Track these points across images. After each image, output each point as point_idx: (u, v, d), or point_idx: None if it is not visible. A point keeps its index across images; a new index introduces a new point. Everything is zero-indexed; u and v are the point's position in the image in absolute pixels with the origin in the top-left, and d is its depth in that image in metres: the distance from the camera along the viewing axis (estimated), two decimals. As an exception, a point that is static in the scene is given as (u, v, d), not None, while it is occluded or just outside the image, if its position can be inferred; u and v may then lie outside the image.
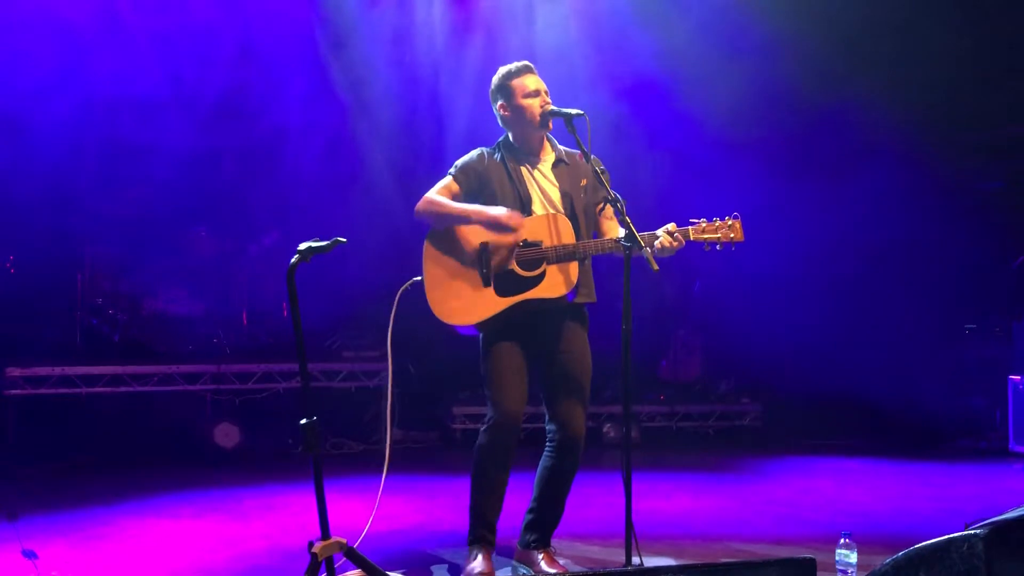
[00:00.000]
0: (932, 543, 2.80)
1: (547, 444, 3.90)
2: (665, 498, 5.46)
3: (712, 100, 7.52)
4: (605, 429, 7.40)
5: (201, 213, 7.56)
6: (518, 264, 3.74)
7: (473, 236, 3.80)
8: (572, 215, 3.83)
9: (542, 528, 3.94)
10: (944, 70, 7.54)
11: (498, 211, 3.74)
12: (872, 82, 7.74)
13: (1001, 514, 3.03)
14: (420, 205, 3.86)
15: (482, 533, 3.86)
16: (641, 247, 3.43)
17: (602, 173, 3.73)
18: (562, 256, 3.71)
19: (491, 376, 3.79)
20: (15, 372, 6.36)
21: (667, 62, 7.53)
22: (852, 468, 6.57)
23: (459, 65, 7.59)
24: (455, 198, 3.87)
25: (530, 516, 3.96)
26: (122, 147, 7.25)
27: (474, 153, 3.96)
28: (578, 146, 3.66)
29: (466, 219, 3.79)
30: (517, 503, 4.04)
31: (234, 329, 7.48)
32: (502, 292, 3.74)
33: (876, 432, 7.58)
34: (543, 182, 3.89)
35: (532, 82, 3.85)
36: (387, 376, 7.05)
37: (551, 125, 3.87)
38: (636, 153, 7.35)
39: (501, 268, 3.75)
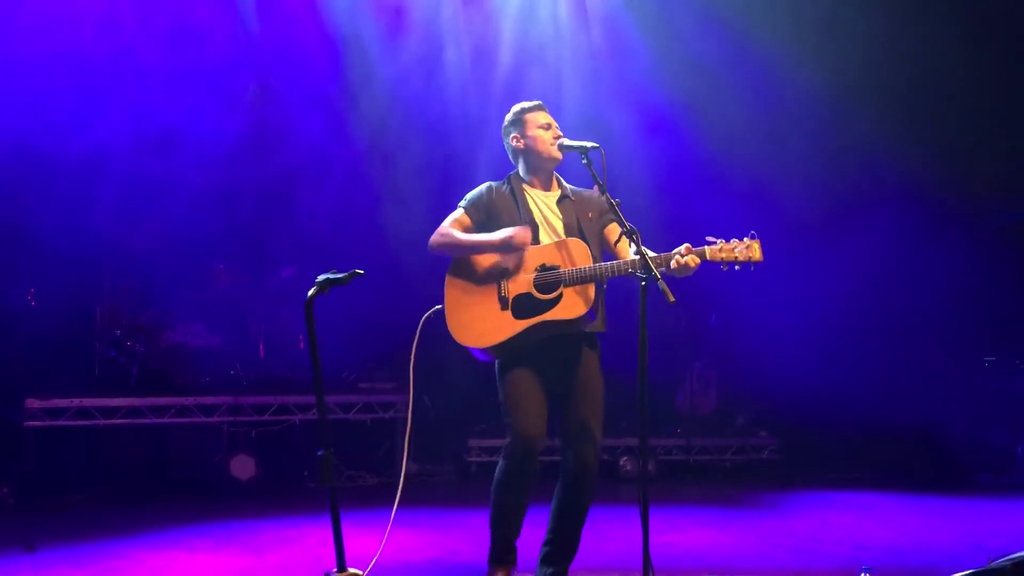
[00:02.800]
0: (954, 578, 2.77)
1: (561, 476, 3.90)
2: (682, 532, 5.42)
3: (727, 136, 7.59)
4: (622, 462, 7.37)
5: (219, 246, 7.62)
6: (535, 288, 3.78)
7: (489, 262, 3.89)
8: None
9: (559, 561, 3.92)
10: (960, 102, 7.55)
11: (503, 232, 3.80)
12: (888, 116, 7.76)
13: (1024, 549, 3.00)
14: (433, 239, 3.95)
15: (502, 554, 3.86)
16: (657, 278, 3.42)
17: (616, 204, 3.74)
18: (578, 278, 3.73)
19: (508, 401, 3.80)
20: (34, 404, 6.40)
21: (681, 99, 7.63)
22: (872, 502, 6.50)
23: (476, 101, 7.67)
24: (466, 231, 3.94)
25: (546, 549, 3.94)
26: (142, 182, 7.33)
27: (482, 187, 4.05)
28: (593, 179, 3.71)
29: (477, 248, 3.86)
30: (534, 536, 4.02)
31: (251, 361, 7.50)
32: (519, 315, 3.77)
33: (896, 466, 7.51)
34: (548, 213, 3.96)
35: (544, 117, 4.00)
36: (403, 408, 7.08)
37: (560, 156, 3.93)
38: (655, 198, 7.41)
39: (518, 292, 3.79)
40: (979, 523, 5.87)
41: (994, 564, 2.96)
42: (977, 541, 5.21)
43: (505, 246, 3.80)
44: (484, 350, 3.82)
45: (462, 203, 4.01)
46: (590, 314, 3.75)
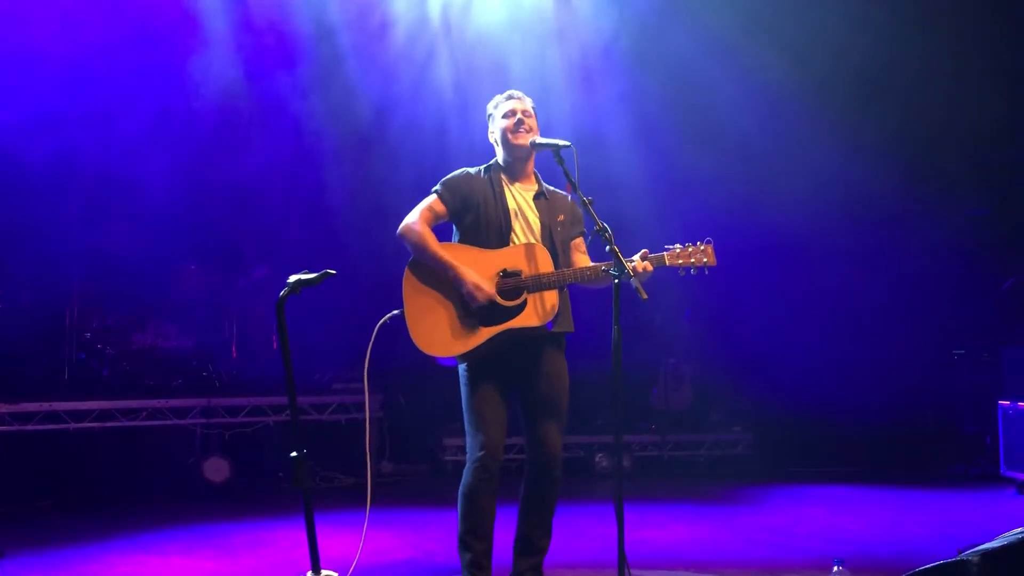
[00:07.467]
0: (925, 570, 2.80)
1: (527, 468, 3.89)
2: (658, 527, 5.44)
3: (693, 133, 7.63)
4: (597, 459, 7.38)
5: (191, 247, 7.56)
6: (499, 294, 3.75)
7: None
8: (551, 246, 3.85)
9: (532, 556, 3.91)
10: (928, 98, 7.63)
11: (470, 277, 3.72)
12: (857, 110, 7.83)
13: (993, 540, 3.03)
14: (405, 230, 3.85)
15: (474, 571, 3.82)
16: (630, 276, 3.43)
17: (589, 203, 3.72)
18: (542, 285, 3.73)
19: (474, 411, 3.78)
20: (1, 408, 6.32)
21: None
22: (844, 495, 6.57)
23: (449, 99, 7.65)
24: (439, 218, 3.89)
25: (519, 546, 3.92)
26: (111, 182, 7.25)
27: (460, 172, 3.98)
28: (565, 176, 3.70)
29: (439, 267, 3.77)
30: (508, 535, 4.02)
31: (224, 363, 7.45)
32: (484, 322, 3.74)
33: (867, 459, 7.59)
34: (525, 209, 3.92)
35: (510, 104, 3.93)
36: (377, 409, 7.06)
37: (528, 145, 3.88)
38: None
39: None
40: (949, 514, 5.95)
41: (964, 555, 2.99)
42: (948, 532, 5.27)
43: (460, 286, 3.73)
44: (449, 358, 3.80)
45: (437, 187, 3.93)
46: (550, 321, 3.76)
